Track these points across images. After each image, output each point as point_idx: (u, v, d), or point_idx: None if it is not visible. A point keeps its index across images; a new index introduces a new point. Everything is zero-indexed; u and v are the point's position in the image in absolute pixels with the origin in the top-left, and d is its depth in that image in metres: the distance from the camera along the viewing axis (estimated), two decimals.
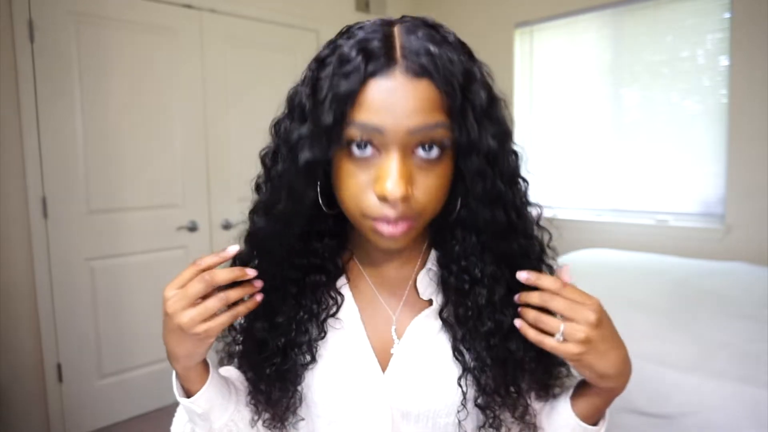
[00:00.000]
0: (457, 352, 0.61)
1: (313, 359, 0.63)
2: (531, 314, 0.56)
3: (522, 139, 3.41)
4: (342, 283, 0.66)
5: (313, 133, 0.51)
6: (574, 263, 2.50)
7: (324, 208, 0.58)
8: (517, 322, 0.58)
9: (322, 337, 0.64)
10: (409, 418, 0.61)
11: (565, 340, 0.54)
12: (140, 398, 2.54)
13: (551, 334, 0.55)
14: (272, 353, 0.62)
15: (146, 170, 2.52)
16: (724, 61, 2.58)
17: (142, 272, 2.53)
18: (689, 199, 2.77)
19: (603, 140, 3.07)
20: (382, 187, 0.50)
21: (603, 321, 0.55)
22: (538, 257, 0.61)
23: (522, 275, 0.57)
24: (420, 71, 0.49)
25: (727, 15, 2.55)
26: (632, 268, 2.34)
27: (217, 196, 2.73)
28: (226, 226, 2.75)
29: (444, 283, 0.63)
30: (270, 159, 0.58)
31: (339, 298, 0.64)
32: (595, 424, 0.65)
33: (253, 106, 2.80)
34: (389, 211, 0.51)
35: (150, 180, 2.53)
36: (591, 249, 2.83)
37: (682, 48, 2.73)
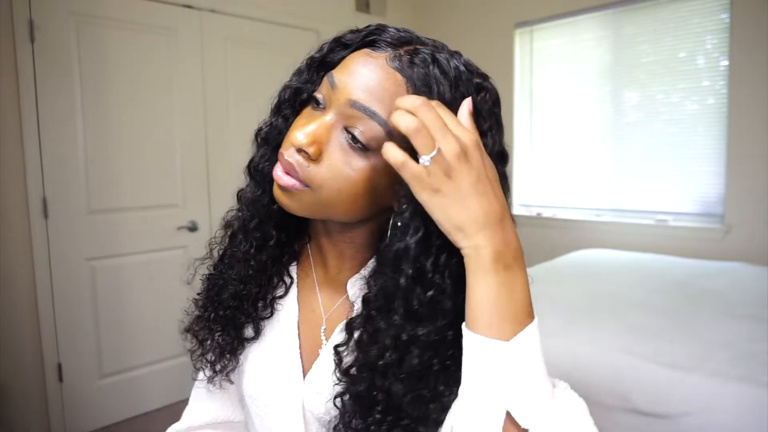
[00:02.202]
0: (342, 370, 0.54)
1: (257, 335, 0.64)
2: (403, 119, 0.43)
3: (522, 140, 3.41)
4: (293, 269, 0.66)
5: (304, 66, 0.57)
6: (574, 263, 2.51)
7: None
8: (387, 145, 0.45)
9: (269, 316, 0.64)
10: (323, 424, 0.60)
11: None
12: (140, 398, 2.54)
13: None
14: (224, 305, 0.63)
15: (146, 170, 2.52)
16: (724, 61, 2.58)
17: (142, 272, 2.53)
18: (689, 199, 2.77)
19: (603, 140, 3.07)
20: (295, 132, 0.50)
21: (474, 157, 0.44)
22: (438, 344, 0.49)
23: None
24: (402, 69, 0.49)
25: (727, 16, 2.55)
26: (632, 268, 2.34)
27: (217, 196, 2.73)
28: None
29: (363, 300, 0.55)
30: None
31: (288, 282, 0.65)
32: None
33: (253, 106, 2.79)
34: (287, 155, 0.51)
35: (150, 180, 2.53)
36: (591, 249, 2.84)
37: (682, 48, 2.73)
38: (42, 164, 2.20)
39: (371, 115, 0.48)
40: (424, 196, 0.44)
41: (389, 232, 0.50)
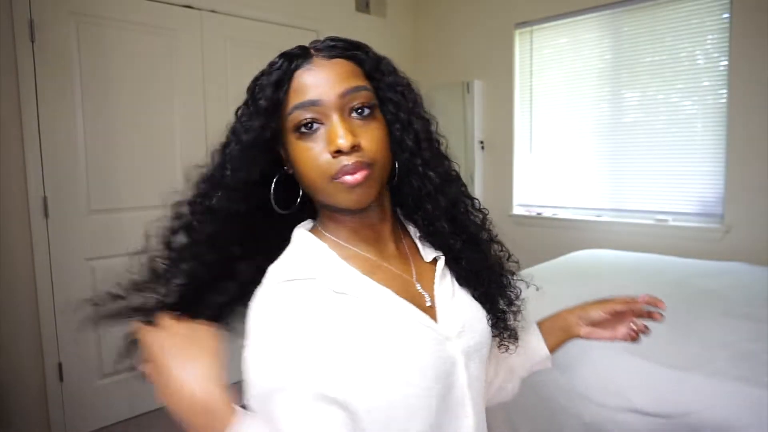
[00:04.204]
0: (476, 297, 0.72)
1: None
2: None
3: (522, 140, 3.41)
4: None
5: (250, 117, 0.63)
6: (574, 263, 2.51)
7: (278, 209, 0.67)
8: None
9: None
10: (471, 356, 0.67)
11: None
12: (140, 398, 2.54)
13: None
14: None
15: (146, 170, 2.52)
16: (724, 61, 2.58)
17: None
18: (688, 199, 2.77)
19: (603, 140, 3.07)
20: (334, 143, 0.58)
21: None
22: (448, 180, 0.71)
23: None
24: (333, 54, 0.62)
25: (727, 15, 2.55)
26: (632, 268, 2.34)
27: None
28: None
29: (436, 243, 0.73)
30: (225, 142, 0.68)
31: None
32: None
33: None
34: (346, 161, 0.59)
35: (150, 180, 2.53)
36: (591, 249, 2.84)
37: (682, 48, 2.73)
38: (42, 164, 2.20)
39: (358, 89, 0.61)
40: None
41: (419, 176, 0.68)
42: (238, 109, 0.66)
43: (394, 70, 0.68)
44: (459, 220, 0.71)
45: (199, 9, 2.65)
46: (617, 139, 3.01)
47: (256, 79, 0.65)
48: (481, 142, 3.53)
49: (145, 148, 2.51)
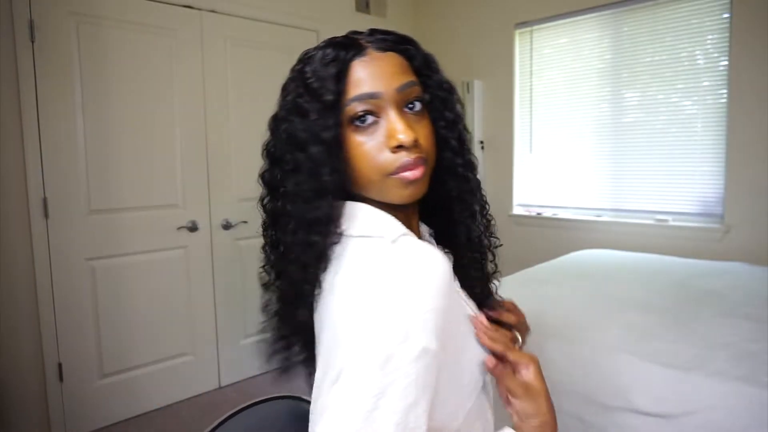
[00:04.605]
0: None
1: None
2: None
3: (522, 140, 3.41)
4: None
5: (321, 114, 0.59)
6: (574, 263, 2.51)
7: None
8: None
9: None
10: None
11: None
12: (140, 398, 2.54)
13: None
14: None
15: (146, 170, 2.52)
16: (724, 61, 2.58)
17: (142, 272, 2.53)
18: (689, 199, 2.77)
19: (603, 140, 3.07)
20: (395, 138, 0.58)
21: None
22: (479, 184, 0.74)
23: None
24: (385, 47, 0.62)
25: (727, 15, 2.55)
26: (632, 268, 2.34)
27: (217, 196, 2.73)
28: (226, 226, 2.75)
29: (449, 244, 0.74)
30: (281, 150, 0.63)
31: None
32: None
33: (254, 106, 2.80)
34: (407, 158, 0.59)
35: (150, 180, 2.53)
36: (591, 249, 2.84)
37: (682, 48, 2.73)
38: (42, 164, 2.20)
39: (411, 84, 0.61)
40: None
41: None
42: (294, 107, 0.60)
43: (439, 68, 0.68)
44: (474, 226, 0.72)
45: (199, 9, 2.65)
46: (617, 139, 3.01)
47: (301, 72, 0.61)
48: (481, 142, 3.53)
49: (145, 149, 2.51)
